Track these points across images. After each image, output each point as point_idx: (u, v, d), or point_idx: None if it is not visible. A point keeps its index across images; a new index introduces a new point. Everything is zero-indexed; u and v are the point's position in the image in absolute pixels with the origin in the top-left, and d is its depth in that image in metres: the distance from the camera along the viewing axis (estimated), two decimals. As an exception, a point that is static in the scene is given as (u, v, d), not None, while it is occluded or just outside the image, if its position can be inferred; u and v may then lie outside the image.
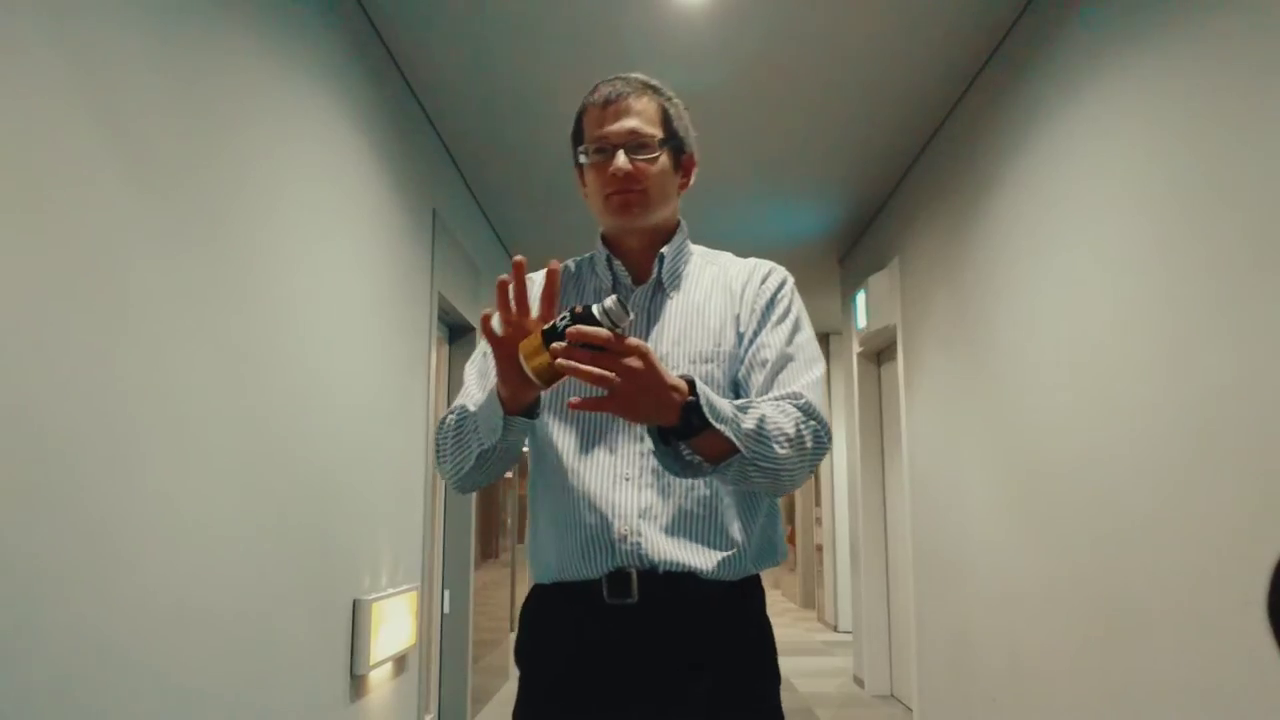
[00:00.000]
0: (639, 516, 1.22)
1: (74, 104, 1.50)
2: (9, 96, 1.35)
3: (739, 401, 1.16)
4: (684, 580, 1.21)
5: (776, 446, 1.14)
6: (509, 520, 6.03)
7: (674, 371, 1.23)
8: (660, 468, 1.19)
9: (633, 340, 1.04)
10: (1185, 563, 2.03)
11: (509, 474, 5.90)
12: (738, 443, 1.11)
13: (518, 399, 1.17)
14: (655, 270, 1.34)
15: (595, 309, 1.05)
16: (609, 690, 1.20)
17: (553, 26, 3.05)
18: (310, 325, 2.47)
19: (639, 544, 1.21)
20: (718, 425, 1.09)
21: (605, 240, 1.39)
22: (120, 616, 1.59)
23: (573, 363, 1.01)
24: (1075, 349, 2.58)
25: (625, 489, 1.24)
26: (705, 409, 1.08)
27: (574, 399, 1.06)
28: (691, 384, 1.09)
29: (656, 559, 1.21)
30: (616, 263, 1.36)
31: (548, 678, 1.26)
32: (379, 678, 3.01)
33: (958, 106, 3.61)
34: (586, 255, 1.43)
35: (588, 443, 1.27)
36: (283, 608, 2.27)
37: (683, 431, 1.10)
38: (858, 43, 3.16)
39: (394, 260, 3.23)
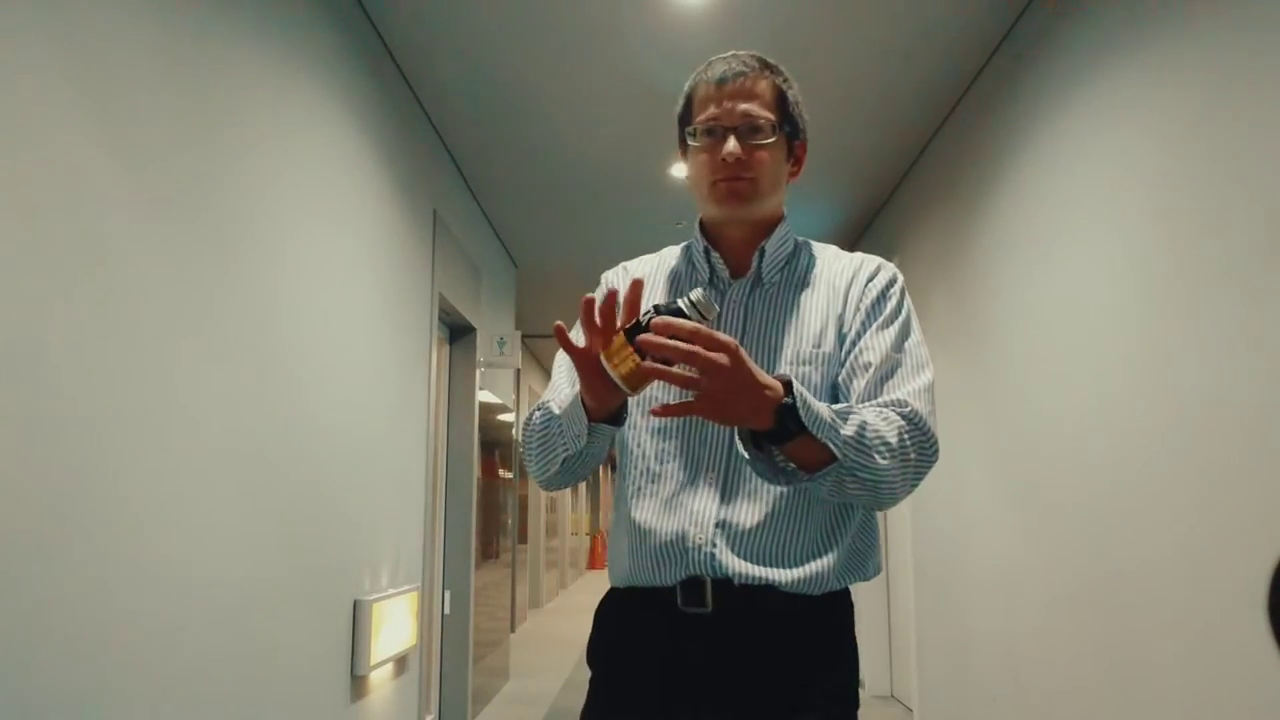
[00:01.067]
0: (716, 525, 1.15)
1: (74, 108, 1.50)
2: (9, 97, 1.36)
3: (838, 406, 1.07)
4: (761, 593, 1.14)
5: (877, 457, 1.05)
6: (509, 520, 6.03)
7: (770, 373, 1.17)
8: (744, 475, 1.15)
9: (721, 336, 0.96)
10: (1186, 563, 2.03)
11: (509, 474, 5.90)
12: (835, 450, 1.03)
13: (603, 406, 1.11)
14: (754, 264, 1.26)
15: (681, 302, 0.99)
16: (678, 699, 1.15)
17: (553, 27, 3.05)
18: (311, 325, 2.47)
19: (713, 554, 1.14)
20: (814, 431, 1.01)
21: (704, 229, 1.29)
22: (120, 617, 1.59)
23: (657, 365, 0.95)
24: (1075, 348, 2.58)
25: (709, 495, 1.17)
26: (802, 411, 1.00)
27: (658, 406, 1.01)
28: (788, 385, 1.01)
29: (731, 570, 1.14)
30: (715, 254, 1.27)
31: (620, 681, 1.22)
32: (379, 678, 3.01)
33: (958, 107, 3.62)
34: (684, 243, 1.34)
35: (670, 446, 1.21)
36: (283, 608, 2.27)
37: (777, 435, 1.02)
38: (857, 43, 3.16)
39: (394, 260, 3.23)
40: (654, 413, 1.02)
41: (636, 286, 1.02)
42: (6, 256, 1.35)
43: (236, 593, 2.01)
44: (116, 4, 1.62)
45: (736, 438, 1.11)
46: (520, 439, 1.32)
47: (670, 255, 1.35)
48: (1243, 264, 1.85)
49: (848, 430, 1.04)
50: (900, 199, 4.53)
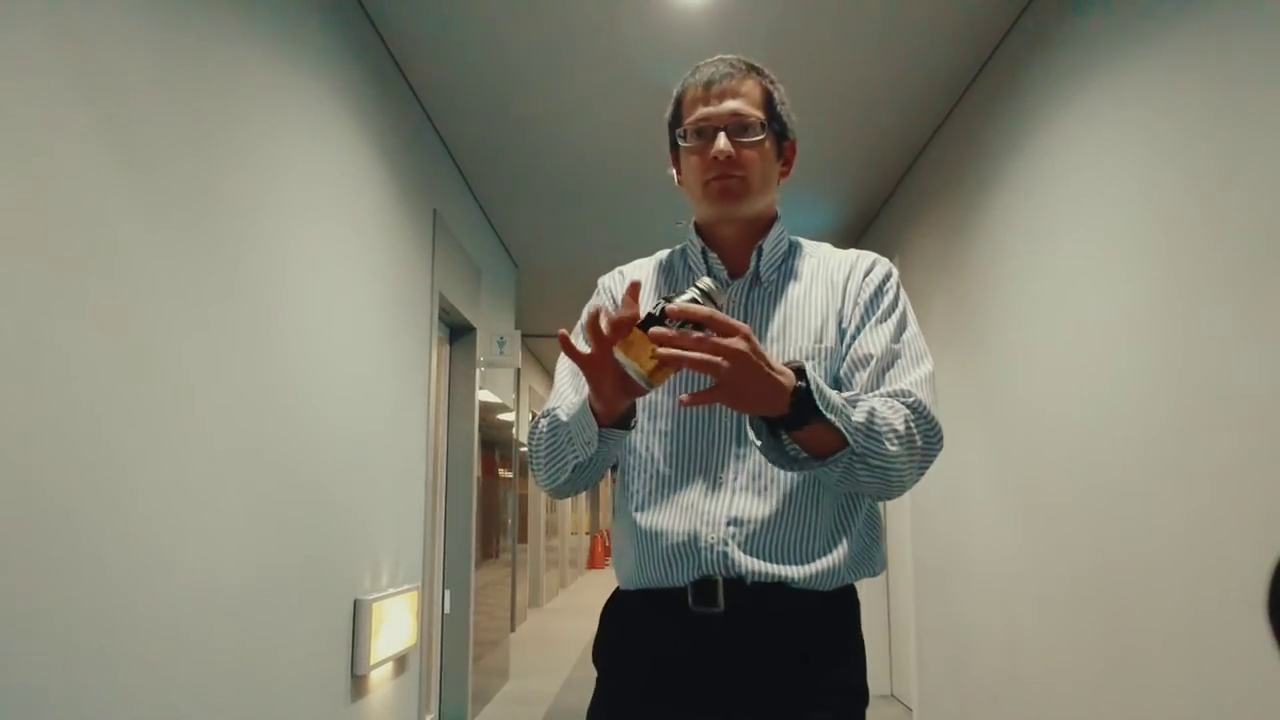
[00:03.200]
0: (728, 524, 1.16)
1: (75, 108, 1.50)
2: (12, 100, 1.36)
3: (847, 394, 1.09)
4: (773, 590, 1.15)
5: (887, 443, 1.07)
6: (509, 520, 6.03)
7: None
8: (752, 474, 1.16)
9: (735, 322, 0.97)
10: (1186, 562, 2.03)
11: (509, 474, 5.91)
12: (848, 436, 1.04)
13: (612, 411, 1.11)
14: (753, 263, 1.27)
15: (691, 290, 1.00)
16: (691, 698, 1.15)
17: (553, 27, 3.05)
18: (311, 325, 2.47)
19: (725, 553, 1.15)
20: (828, 415, 1.02)
21: (699, 230, 1.30)
22: (121, 616, 1.60)
23: (677, 351, 0.95)
24: (1075, 348, 2.59)
25: (715, 495, 1.18)
26: (816, 396, 1.01)
27: (684, 395, 1.01)
28: (800, 371, 1.02)
29: (744, 569, 1.14)
30: (711, 255, 1.28)
31: (628, 681, 1.21)
32: (379, 678, 3.01)
33: (957, 107, 3.62)
34: (678, 246, 1.35)
35: (678, 446, 1.22)
36: (283, 608, 2.27)
37: (791, 421, 1.03)
38: (857, 43, 3.17)
39: (394, 260, 3.23)
40: (682, 401, 1.02)
41: (634, 287, 1.03)
42: (10, 258, 1.35)
43: (236, 592, 2.02)
44: (117, 6, 1.62)
45: (748, 425, 1.11)
46: (527, 447, 1.31)
47: (669, 257, 1.36)
48: (1241, 263, 1.85)
49: (859, 416, 1.06)
50: (900, 199, 4.53)
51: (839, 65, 3.31)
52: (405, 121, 3.42)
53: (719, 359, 0.96)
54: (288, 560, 2.30)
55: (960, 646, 3.64)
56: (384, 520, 3.08)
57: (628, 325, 1.00)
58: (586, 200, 4.73)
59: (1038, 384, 2.86)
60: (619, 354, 1.00)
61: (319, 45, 2.57)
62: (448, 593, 4.22)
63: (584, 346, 1.05)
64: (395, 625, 3.05)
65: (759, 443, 1.08)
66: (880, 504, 1.27)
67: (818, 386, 1.02)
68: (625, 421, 1.15)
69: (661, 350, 0.96)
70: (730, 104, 1.22)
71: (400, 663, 3.23)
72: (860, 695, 1.20)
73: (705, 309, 0.97)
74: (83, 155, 1.52)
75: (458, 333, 4.50)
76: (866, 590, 5.33)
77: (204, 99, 1.92)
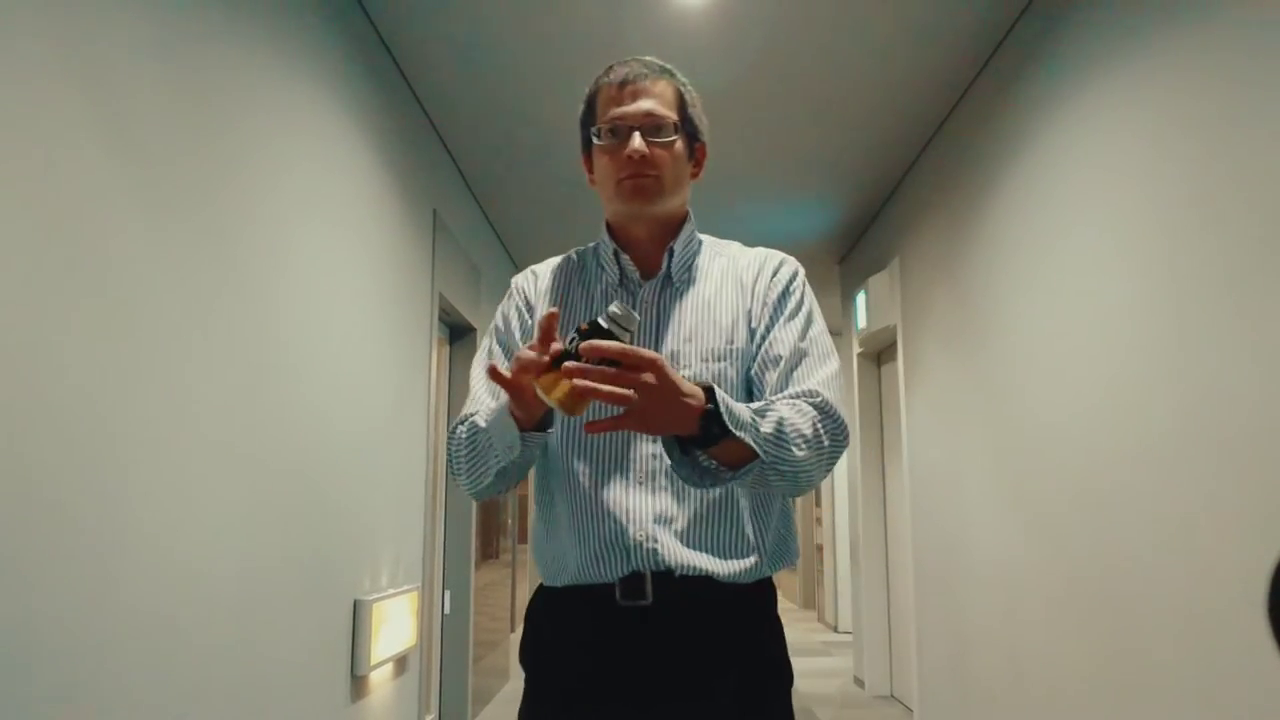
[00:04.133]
0: (654, 521, 1.19)
1: (75, 109, 1.50)
2: (11, 98, 1.36)
3: (755, 405, 1.12)
4: (699, 583, 1.19)
5: (795, 449, 1.11)
6: (509, 520, 6.02)
7: (686, 370, 1.22)
8: (671, 472, 1.17)
9: (646, 353, 1.00)
10: (1186, 562, 2.03)
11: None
12: (757, 449, 1.07)
13: (532, 417, 1.14)
14: (664, 264, 1.30)
15: (600, 319, 1.02)
16: (621, 689, 1.18)
17: (553, 27, 3.05)
18: (311, 325, 2.47)
19: (655, 549, 1.18)
20: (737, 433, 1.05)
21: (611, 230, 1.33)
22: (121, 616, 1.59)
23: (590, 384, 0.97)
24: (1075, 348, 2.59)
25: (640, 493, 1.21)
26: (725, 417, 1.04)
27: (590, 423, 1.04)
28: (710, 391, 1.05)
29: (672, 563, 1.18)
30: (624, 256, 1.30)
31: (557, 677, 1.23)
32: (379, 678, 3.01)
33: (958, 107, 3.62)
34: (590, 245, 1.38)
35: (602, 447, 1.24)
36: (283, 608, 2.27)
37: (702, 441, 1.06)
38: (858, 43, 3.16)
39: (394, 260, 3.23)
40: (587, 429, 1.05)
41: (552, 318, 1.05)
42: (7, 256, 1.35)
43: (236, 592, 2.01)
44: (117, 4, 1.62)
45: (661, 444, 1.15)
46: (447, 452, 1.33)
47: (580, 257, 1.38)
48: (1241, 263, 1.85)
49: (767, 427, 1.09)
50: (900, 200, 4.53)
51: (839, 65, 3.31)
52: (405, 122, 3.41)
53: (630, 393, 0.99)
54: (287, 560, 2.30)
55: (960, 647, 3.64)
56: (384, 520, 3.08)
57: (540, 367, 1.03)
58: (586, 200, 4.71)
59: (1037, 384, 2.86)
60: (537, 387, 1.04)
61: (319, 45, 2.57)
62: (448, 593, 4.22)
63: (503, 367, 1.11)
64: (395, 626, 3.05)
65: (670, 462, 1.11)
66: (792, 499, 1.32)
67: (726, 407, 1.05)
68: (545, 424, 1.18)
69: (576, 383, 0.99)
70: (644, 104, 1.25)
71: (400, 663, 3.23)
72: (787, 675, 1.25)
73: (617, 346, 0.99)
74: (81, 156, 1.52)
75: (458, 333, 4.49)
76: (867, 591, 5.33)
77: (204, 99, 1.92)
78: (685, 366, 1.23)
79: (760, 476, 1.10)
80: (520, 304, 1.36)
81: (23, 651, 1.36)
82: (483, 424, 1.22)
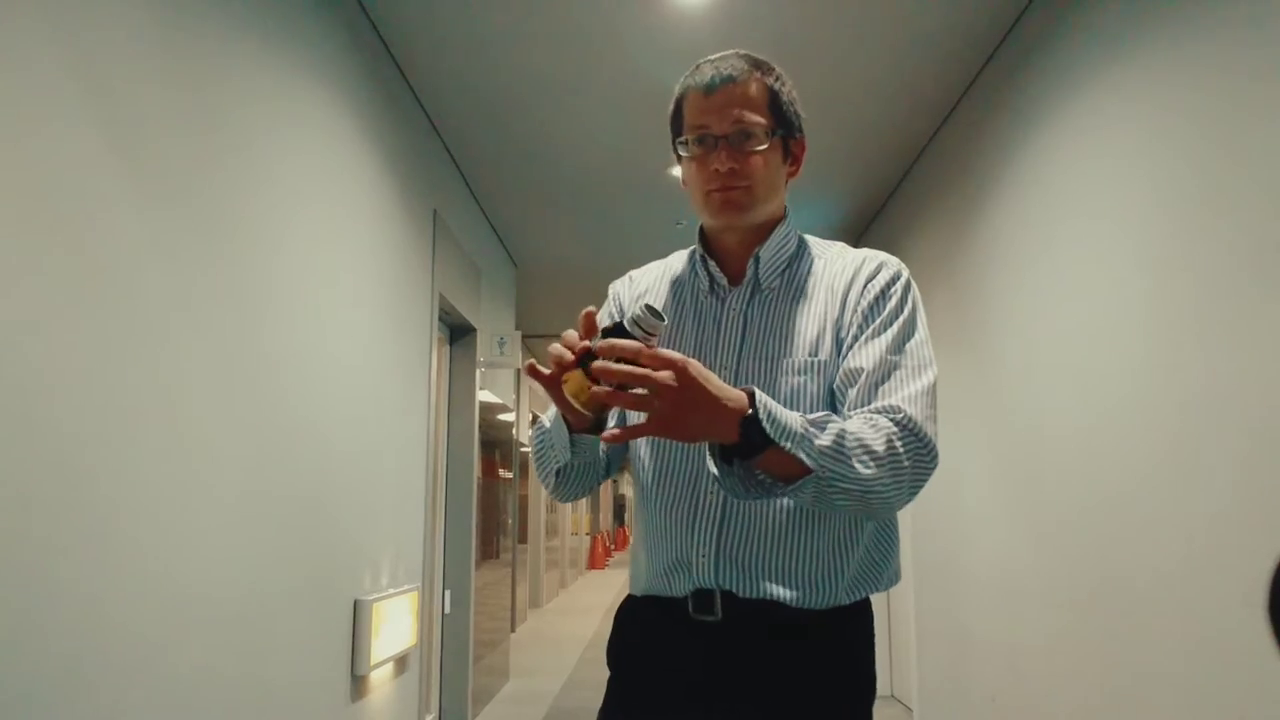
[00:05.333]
0: (716, 540, 1.15)
1: (75, 107, 1.50)
2: (10, 98, 1.36)
3: (815, 416, 1.04)
4: (769, 606, 1.14)
5: (859, 466, 1.02)
6: (509, 520, 6.02)
7: (769, 384, 1.16)
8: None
9: (667, 353, 0.95)
10: (1185, 562, 2.03)
11: (509, 474, 5.90)
12: (809, 461, 1.00)
13: (581, 419, 1.12)
14: (749, 271, 1.23)
15: (625, 320, 1.00)
16: (690, 702, 1.16)
17: (553, 27, 3.05)
18: (311, 325, 2.47)
19: (716, 571, 1.15)
20: (781, 442, 0.98)
21: (702, 235, 1.28)
22: (121, 616, 1.59)
23: (608, 388, 0.95)
24: (1076, 348, 2.58)
25: (704, 510, 1.17)
26: (766, 424, 0.98)
27: (608, 432, 1.01)
28: (751, 396, 0.99)
29: (733, 587, 1.14)
30: (712, 263, 1.25)
31: (635, 684, 1.23)
32: (380, 678, 3.01)
33: (957, 107, 3.62)
34: (691, 249, 1.32)
35: (668, 459, 1.21)
36: (284, 608, 2.27)
37: (744, 450, 1.00)
38: (858, 43, 3.16)
39: (394, 260, 3.23)
40: (604, 439, 1.02)
41: (589, 318, 1.03)
42: (3, 254, 1.34)
43: (236, 593, 2.01)
44: (118, 9, 1.62)
45: (707, 453, 1.08)
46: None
47: (676, 261, 1.34)
48: (1246, 261, 1.84)
49: (824, 440, 1.01)
50: (902, 197, 4.53)
51: (839, 64, 3.31)
52: (405, 122, 3.41)
53: (649, 395, 0.95)
54: (288, 561, 2.30)
55: (961, 648, 3.64)
56: (384, 520, 3.08)
57: (567, 365, 1.02)
58: (586, 200, 4.73)
59: (1039, 384, 2.86)
60: (565, 387, 1.02)
61: (319, 45, 2.57)
62: (448, 593, 4.22)
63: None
64: (395, 625, 3.05)
65: (714, 471, 1.04)
66: (895, 517, 1.23)
67: (769, 413, 0.99)
68: (599, 427, 1.15)
69: (594, 390, 0.97)
70: (734, 111, 1.18)
71: (400, 663, 3.23)
72: (858, 688, 1.18)
73: (632, 344, 0.96)
74: (80, 157, 1.52)
75: (458, 333, 4.49)
76: (867, 590, 5.33)
77: (203, 98, 1.92)
78: (766, 379, 1.17)
79: (818, 492, 1.02)
80: (614, 310, 1.33)
81: (21, 654, 1.36)
82: (547, 424, 1.21)
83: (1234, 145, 1.88)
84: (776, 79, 1.23)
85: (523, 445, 7.28)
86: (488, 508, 5.04)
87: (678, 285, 1.30)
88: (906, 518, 4.43)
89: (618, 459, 1.30)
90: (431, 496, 3.75)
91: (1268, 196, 1.77)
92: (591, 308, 1.06)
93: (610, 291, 1.36)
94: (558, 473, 1.21)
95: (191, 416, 1.84)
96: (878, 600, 5.32)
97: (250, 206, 2.12)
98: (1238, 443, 1.85)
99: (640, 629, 1.25)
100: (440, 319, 4.10)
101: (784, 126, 1.22)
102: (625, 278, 1.37)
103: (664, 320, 1.00)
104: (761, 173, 1.19)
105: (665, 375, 0.94)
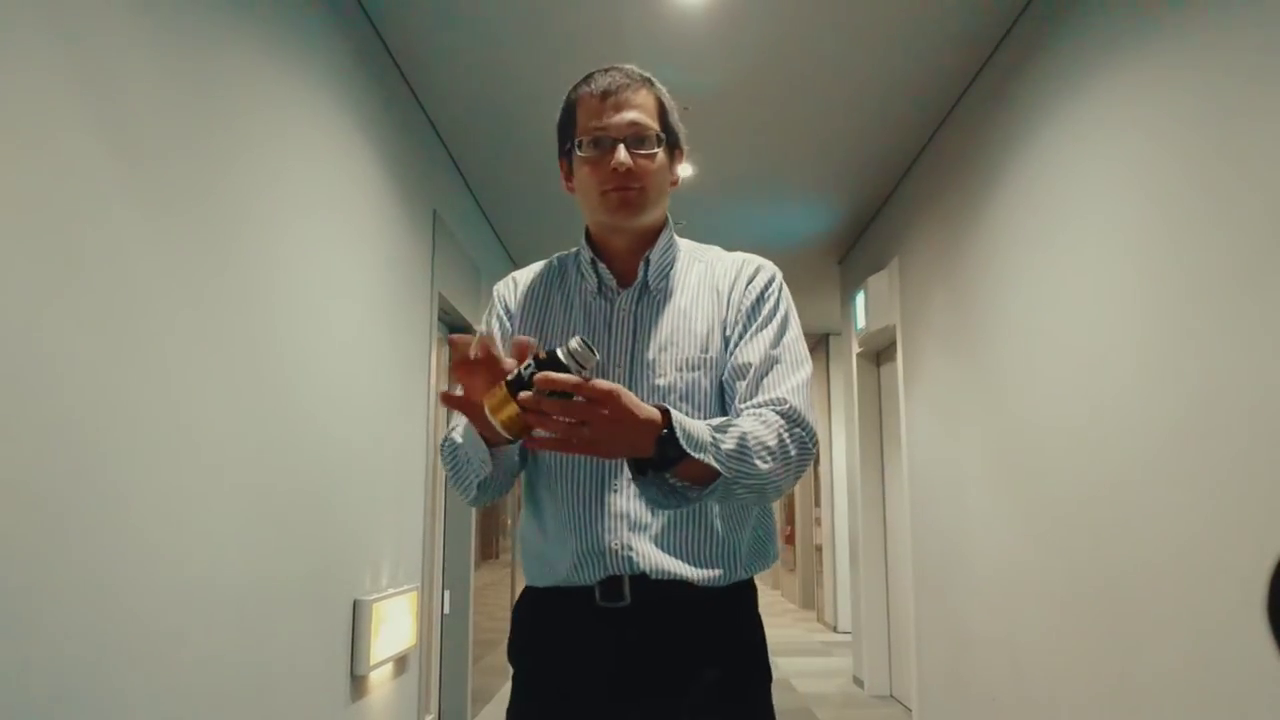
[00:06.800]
0: (629, 529, 1.21)
1: (75, 108, 1.50)
2: (13, 102, 1.36)
3: (717, 421, 1.12)
4: (675, 586, 1.21)
5: (759, 462, 1.11)
6: (509, 520, 6.03)
7: (661, 379, 1.23)
8: None
9: (603, 386, 0.99)
10: (1185, 562, 2.03)
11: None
12: (718, 466, 1.08)
13: (498, 434, 1.15)
14: (640, 273, 1.30)
15: (560, 352, 1.01)
16: (601, 687, 1.20)
17: (553, 27, 3.05)
18: (310, 325, 2.47)
19: (630, 556, 1.20)
20: (693, 453, 1.06)
21: (589, 238, 1.34)
22: (120, 617, 1.59)
23: (541, 415, 0.98)
24: (1076, 347, 2.59)
25: (614, 501, 1.22)
26: (682, 440, 1.05)
27: (531, 440, 1.04)
28: (665, 413, 1.06)
29: (647, 569, 1.20)
30: (601, 265, 1.31)
31: (540, 675, 1.26)
32: (379, 678, 3.01)
33: (957, 107, 3.62)
34: (572, 251, 1.38)
35: (579, 459, 1.25)
36: (283, 608, 2.27)
37: (659, 463, 1.07)
38: (857, 43, 3.16)
39: (394, 260, 3.23)
40: (528, 445, 1.06)
41: (520, 346, 1.05)
42: (4, 254, 1.35)
43: (236, 593, 2.02)
44: (118, 9, 1.62)
45: (626, 466, 1.14)
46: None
47: (561, 263, 1.38)
48: (1244, 260, 1.85)
49: (729, 444, 1.09)
50: (900, 198, 4.53)
51: (839, 65, 3.31)
52: (405, 122, 3.41)
53: (580, 427, 0.99)
54: (287, 561, 2.30)
55: (960, 647, 3.64)
56: (384, 520, 3.08)
57: (487, 381, 1.05)
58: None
59: (1037, 383, 2.86)
60: (487, 409, 1.03)
61: (319, 45, 2.57)
62: (448, 593, 4.22)
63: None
64: (395, 626, 3.05)
65: (635, 486, 1.10)
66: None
67: (682, 429, 1.05)
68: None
69: (526, 417, 0.99)
70: (628, 115, 1.24)
71: (400, 663, 3.23)
72: (765, 671, 1.26)
73: (573, 379, 0.98)
74: (80, 158, 1.52)
75: (458, 333, 4.49)
76: (866, 591, 5.33)
77: (203, 99, 1.92)
78: (660, 375, 1.24)
79: (726, 492, 1.11)
80: (501, 312, 1.37)
81: (20, 655, 1.36)
82: (459, 440, 1.26)
83: (1232, 146, 1.88)
84: (663, 93, 1.31)
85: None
86: (487, 507, 5.04)
87: (566, 286, 1.35)
88: (907, 516, 4.43)
89: (525, 455, 1.32)
90: (431, 496, 3.75)
91: (1265, 197, 1.77)
92: (527, 338, 1.07)
93: (494, 293, 1.39)
94: (479, 485, 1.24)
95: (193, 415, 1.84)
96: (878, 599, 5.34)
97: (251, 207, 2.12)
98: (1237, 441, 1.85)
99: (546, 621, 1.28)
100: (440, 319, 4.10)
101: (671, 136, 1.30)
102: (508, 279, 1.41)
103: (596, 355, 1.02)
104: (653, 176, 1.26)
105: (604, 412, 0.99)
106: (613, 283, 1.31)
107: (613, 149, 1.24)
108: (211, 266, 1.94)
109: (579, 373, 1.00)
